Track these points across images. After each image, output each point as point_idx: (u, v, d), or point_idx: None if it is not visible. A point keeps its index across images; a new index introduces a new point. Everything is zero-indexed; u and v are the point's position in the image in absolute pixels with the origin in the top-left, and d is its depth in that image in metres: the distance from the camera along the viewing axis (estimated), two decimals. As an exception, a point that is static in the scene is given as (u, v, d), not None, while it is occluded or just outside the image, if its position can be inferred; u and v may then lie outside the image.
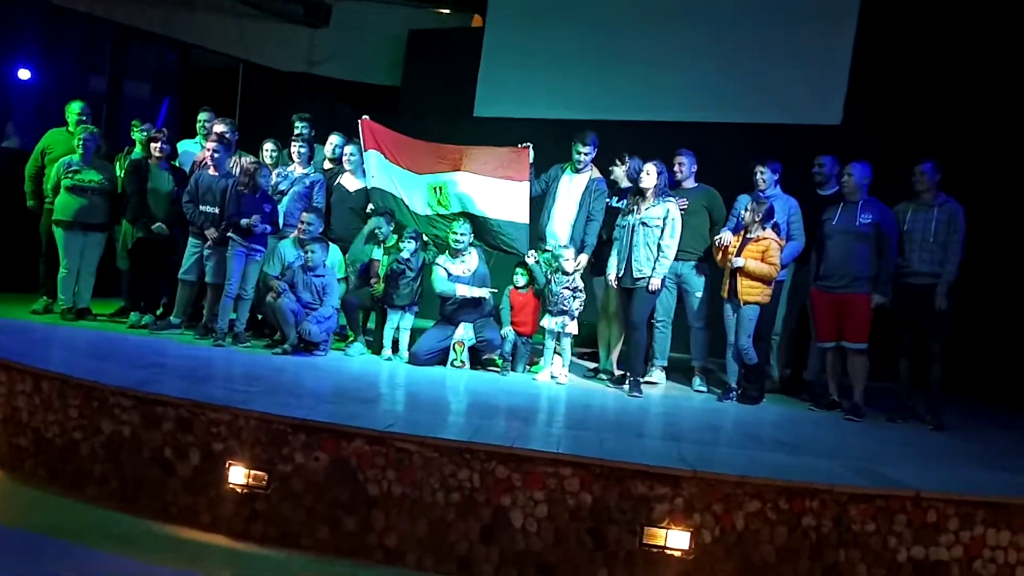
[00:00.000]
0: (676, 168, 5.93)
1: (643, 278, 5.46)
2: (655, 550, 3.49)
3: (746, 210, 5.48)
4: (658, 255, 5.45)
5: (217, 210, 6.05)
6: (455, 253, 5.99)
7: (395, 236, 6.21)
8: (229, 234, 5.89)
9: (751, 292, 5.40)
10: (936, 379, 5.25)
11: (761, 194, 5.76)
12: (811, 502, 3.49)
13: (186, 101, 8.67)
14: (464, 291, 5.88)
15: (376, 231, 6.18)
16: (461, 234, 5.96)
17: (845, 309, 5.34)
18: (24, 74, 7.97)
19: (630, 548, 3.52)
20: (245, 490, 3.81)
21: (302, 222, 6.03)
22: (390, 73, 10.12)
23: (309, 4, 10.08)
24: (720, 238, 5.52)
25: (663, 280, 5.57)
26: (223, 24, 9.65)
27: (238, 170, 6.19)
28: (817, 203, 5.72)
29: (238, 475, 3.82)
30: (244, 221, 5.81)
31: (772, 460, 3.92)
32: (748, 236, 5.45)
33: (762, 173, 5.81)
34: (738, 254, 5.41)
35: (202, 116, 6.86)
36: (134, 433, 4.03)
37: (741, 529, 3.50)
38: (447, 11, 10.45)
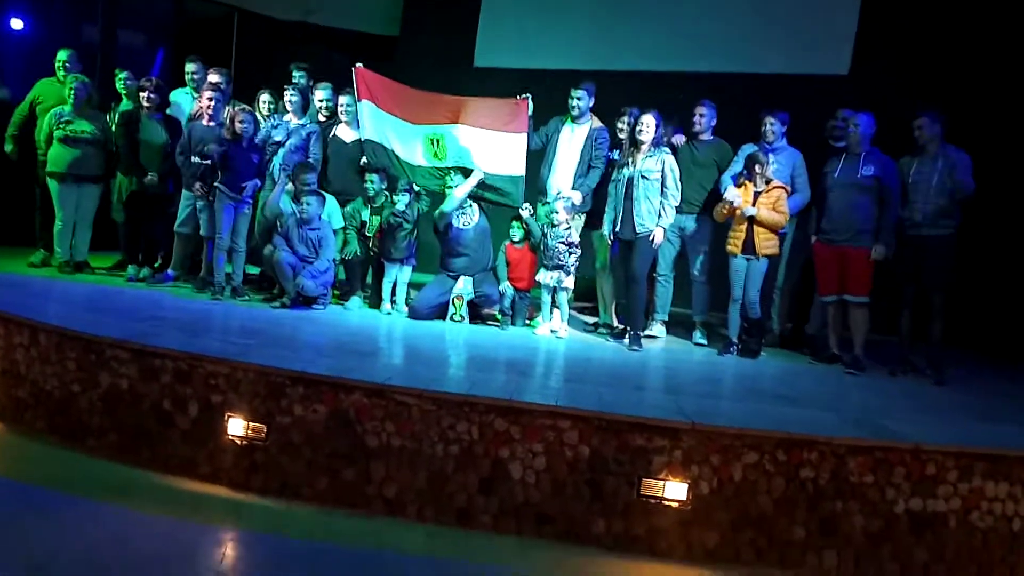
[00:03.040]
0: (696, 119, 5.84)
1: (646, 231, 5.41)
2: (652, 501, 3.51)
3: (757, 165, 5.40)
4: (661, 207, 5.39)
5: (208, 162, 5.94)
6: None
7: (385, 195, 6.09)
8: (217, 184, 5.79)
9: (767, 245, 5.38)
10: (938, 333, 5.24)
11: (767, 145, 5.68)
12: (809, 454, 3.49)
13: (180, 51, 8.48)
14: (460, 191, 5.85)
15: (367, 185, 6.09)
16: (454, 188, 5.89)
17: (847, 262, 5.31)
18: (16, 24, 7.79)
19: (628, 499, 3.54)
20: (244, 442, 3.82)
21: (298, 179, 5.89)
22: (388, 22, 9.89)
23: (306, -50, 9.83)
24: (732, 202, 5.37)
25: (665, 232, 5.52)
26: (218, -29, 9.44)
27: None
28: (829, 155, 5.61)
29: (237, 427, 3.82)
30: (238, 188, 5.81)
31: (772, 413, 3.92)
32: (757, 189, 5.39)
33: (772, 124, 5.71)
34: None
35: (189, 67, 6.67)
36: (132, 386, 4.03)
37: (739, 480, 3.51)
38: (447, -42, 10.17)
